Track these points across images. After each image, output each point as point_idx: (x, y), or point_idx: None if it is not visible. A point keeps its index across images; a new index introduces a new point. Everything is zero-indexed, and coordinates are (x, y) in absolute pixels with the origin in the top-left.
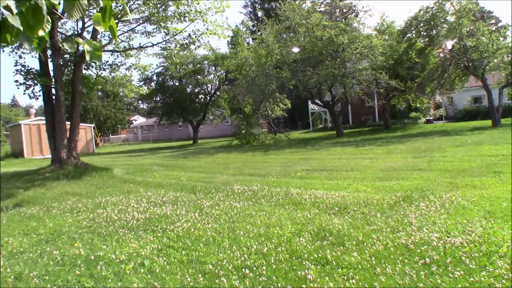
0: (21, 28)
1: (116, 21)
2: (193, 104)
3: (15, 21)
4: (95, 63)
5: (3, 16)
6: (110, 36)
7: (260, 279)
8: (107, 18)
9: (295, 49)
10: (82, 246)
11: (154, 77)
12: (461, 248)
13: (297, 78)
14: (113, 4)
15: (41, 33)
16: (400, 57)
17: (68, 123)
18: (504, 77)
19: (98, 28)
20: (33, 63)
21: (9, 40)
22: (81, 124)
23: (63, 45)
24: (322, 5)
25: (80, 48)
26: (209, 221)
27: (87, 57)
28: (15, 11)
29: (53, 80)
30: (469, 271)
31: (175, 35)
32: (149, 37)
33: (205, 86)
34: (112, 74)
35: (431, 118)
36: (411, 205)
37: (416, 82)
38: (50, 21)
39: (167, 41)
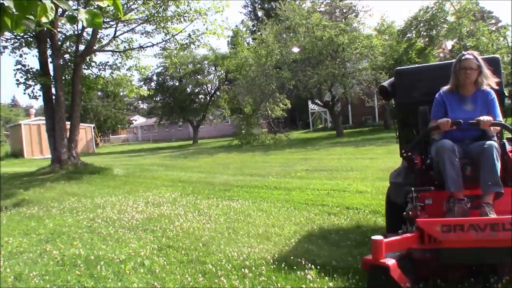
0: (14, 10)
1: (116, 21)
2: (193, 104)
3: (9, 2)
4: (95, 62)
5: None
6: (110, 37)
7: (260, 279)
8: None
9: (295, 49)
10: (82, 246)
11: (154, 77)
12: None
13: (297, 78)
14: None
15: (44, 20)
16: (400, 57)
17: (68, 123)
18: (504, 77)
19: (100, 3)
20: (34, 63)
21: (9, 26)
22: (81, 124)
23: (61, 23)
24: (322, 5)
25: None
26: (208, 221)
27: (85, 24)
28: None
29: (53, 80)
30: None
31: (175, 35)
32: (149, 37)
33: (205, 86)
34: (113, 75)
35: None
36: None
37: None
38: (54, 9)
39: (167, 41)
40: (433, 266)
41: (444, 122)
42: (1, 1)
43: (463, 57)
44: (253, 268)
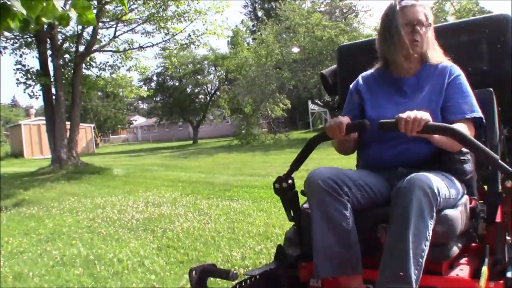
0: (23, 11)
1: (116, 21)
2: (193, 104)
3: (16, 3)
4: (95, 62)
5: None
6: (110, 37)
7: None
8: None
9: (295, 49)
10: (82, 246)
11: (154, 77)
12: None
13: (297, 78)
14: (114, 5)
15: (50, 19)
16: None
17: (68, 123)
18: None
19: None
20: (33, 63)
21: (11, 26)
22: (81, 124)
23: (54, 22)
24: (322, 5)
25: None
26: (208, 221)
27: (76, 22)
28: None
29: (53, 80)
30: None
31: (175, 35)
32: (149, 37)
33: (205, 86)
34: (113, 75)
35: None
36: None
37: None
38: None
39: (167, 41)
40: None
41: (333, 125)
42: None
43: (402, 3)
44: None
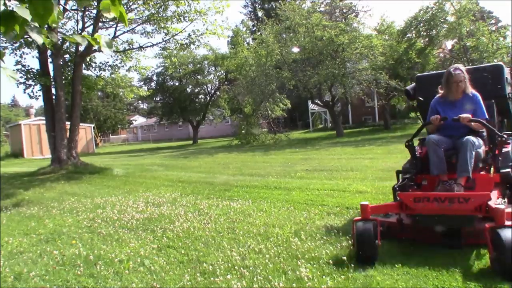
0: (29, 19)
1: (116, 21)
2: (193, 104)
3: (24, 12)
4: (95, 63)
5: (10, 8)
6: (110, 37)
7: (258, 278)
8: (117, 2)
9: (295, 49)
10: (82, 246)
11: (154, 77)
12: None
13: (297, 78)
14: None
15: (53, 24)
16: (400, 57)
17: (68, 123)
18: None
19: (107, 15)
20: (33, 63)
21: (18, 32)
22: (81, 124)
23: (69, 41)
24: (322, 5)
25: (80, 48)
26: (208, 221)
27: (104, 49)
28: None
29: (53, 80)
30: None
31: (174, 35)
32: (149, 38)
33: (205, 86)
34: (113, 75)
35: None
36: None
37: None
38: (62, 11)
39: (167, 41)
40: (415, 230)
41: (434, 118)
42: (11, 8)
43: (453, 72)
44: (252, 267)
